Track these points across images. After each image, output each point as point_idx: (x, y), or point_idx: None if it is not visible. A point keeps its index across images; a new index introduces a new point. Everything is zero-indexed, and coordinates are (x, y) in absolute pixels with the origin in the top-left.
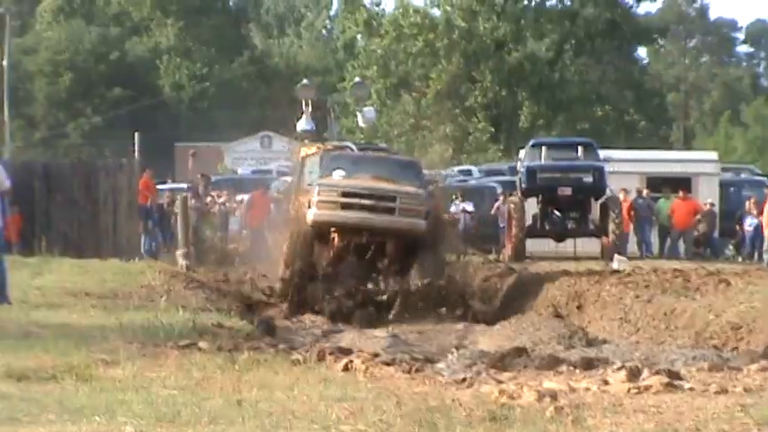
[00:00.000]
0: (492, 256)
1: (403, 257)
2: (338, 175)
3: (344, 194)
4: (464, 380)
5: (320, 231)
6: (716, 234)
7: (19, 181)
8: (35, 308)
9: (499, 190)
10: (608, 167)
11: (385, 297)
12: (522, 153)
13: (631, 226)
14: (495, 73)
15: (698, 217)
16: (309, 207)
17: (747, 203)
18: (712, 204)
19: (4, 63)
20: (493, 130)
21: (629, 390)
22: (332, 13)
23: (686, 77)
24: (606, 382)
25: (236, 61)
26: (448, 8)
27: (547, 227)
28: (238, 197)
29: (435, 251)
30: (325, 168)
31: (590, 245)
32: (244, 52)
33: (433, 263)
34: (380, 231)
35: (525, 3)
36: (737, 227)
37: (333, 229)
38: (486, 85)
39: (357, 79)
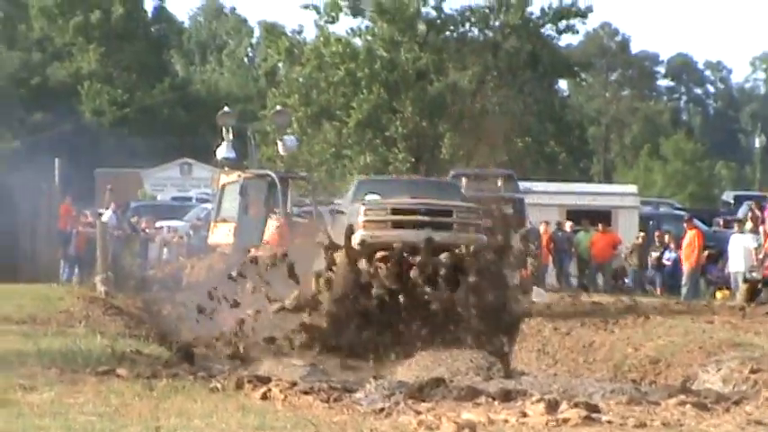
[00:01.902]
0: None
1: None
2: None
3: (395, 211)
4: (382, 410)
5: (366, 256)
6: (649, 267)
7: None
8: None
9: None
10: (528, 199)
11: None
12: None
13: (551, 258)
14: (416, 103)
15: (619, 250)
16: (351, 231)
17: (666, 237)
18: (644, 239)
19: None
20: (413, 160)
21: (547, 422)
22: (253, 40)
23: (607, 111)
24: (525, 414)
25: (158, 88)
26: (369, 38)
27: None
28: (158, 224)
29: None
30: (355, 195)
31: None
32: (165, 79)
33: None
34: (440, 249)
35: (447, 34)
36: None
37: (380, 253)
38: (406, 116)
39: (278, 107)
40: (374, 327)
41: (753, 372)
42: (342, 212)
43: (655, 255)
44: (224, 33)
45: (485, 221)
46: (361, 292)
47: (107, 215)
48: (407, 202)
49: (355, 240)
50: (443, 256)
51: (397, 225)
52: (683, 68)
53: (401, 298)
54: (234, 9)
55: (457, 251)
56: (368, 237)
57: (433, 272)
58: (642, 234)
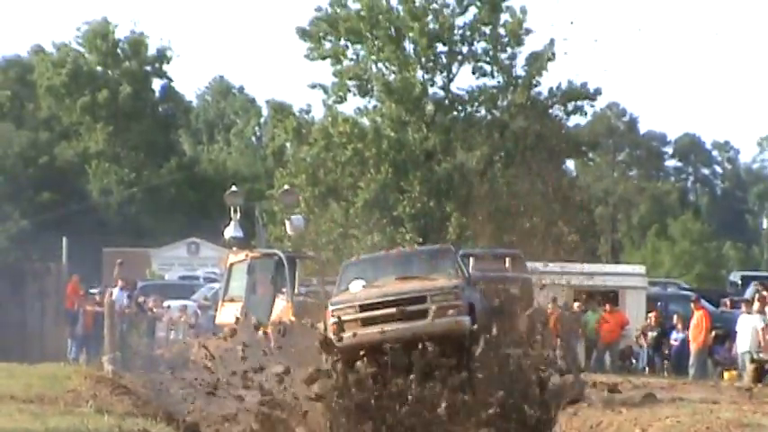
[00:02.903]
0: None
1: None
2: (357, 287)
3: (363, 308)
4: None
5: (347, 356)
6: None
7: None
8: None
9: None
10: (535, 279)
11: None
12: None
13: (558, 339)
14: (423, 183)
15: (626, 330)
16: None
17: (674, 318)
18: (655, 318)
19: None
20: (421, 240)
21: None
22: (261, 120)
23: (615, 191)
24: None
25: (165, 167)
26: (377, 118)
27: None
28: (165, 303)
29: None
30: (342, 282)
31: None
32: (172, 158)
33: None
34: (414, 341)
35: (455, 114)
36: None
37: (361, 352)
38: (414, 196)
39: (286, 187)
40: (380, 421)
41: None
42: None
43: (651, 334)
44: (232, 113)
45: (492, 300)
46: (356, 389)
47: (116, 293)
48: (375, 296)
49: (330, 344)
50: (415, 353)
51: (367, 322)
52: (690, 148)
53: (397, 391)
54: (242, 88)
55: (430, 345)
56: (336, 340)
57: (413, 366)
58: (653, 315)
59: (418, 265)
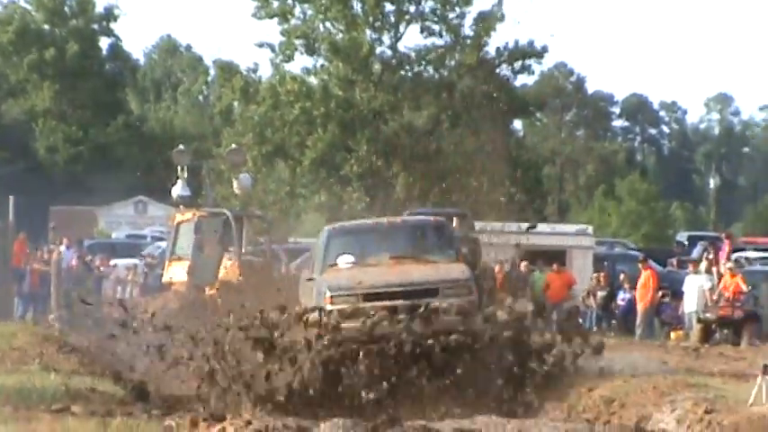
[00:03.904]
0: None
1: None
2: (346, 263)
3: (367, 297)
4: None
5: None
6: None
7: None
8: None
9: None
10: (482, 239)
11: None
12: None
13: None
14: (370, 143)
15: (573, 290)
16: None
17: (621, 278)
18: (603, 278)
19: None
20: (368, 199)
21: None
22: (209, 79)
23: (562, 151)
24: None
25: (112, 125)
26: (325, 77)
27: None
28: (112, 261)
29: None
30: (329, 254)
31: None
32: (119, 116)
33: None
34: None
35: (402, 73)
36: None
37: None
38: (361, 155)
39: (233, 146)
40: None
41: (707, 412)
42: (311, 279)
43: (600, 294)
44: (179, 71)
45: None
46: (344, 362)
47: (63, 252)
48: (382, 284)
49: (327, 319)
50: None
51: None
52: (637, 108)
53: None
54: (189, 47)
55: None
56: (333, 327)
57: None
58: (603, 275)
59: (411, 240)
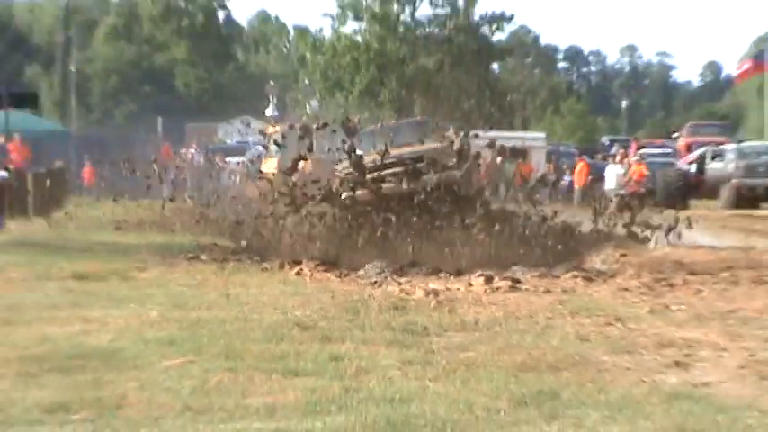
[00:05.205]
0: None
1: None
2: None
3: (372, 170)
4: (376, 282)
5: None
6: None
7: (82, 146)
8: (90, 231)
9: None
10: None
11: None
12: None
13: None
14: (398, 80)
15: (532, 176)
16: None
17: (564, 167)
18: (552, 168)
19: (72, 69)
20: (396, 117)
21: (485, 290)
22: (290, 38)
23: (524, 84)
24: (470, 285)
25: (226, 69)
26: (367, 36)
27: None
28: (227, 159)
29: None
30: (359, 146)
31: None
32: (231, 64)
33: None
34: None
35: (418, 33)
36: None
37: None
38: (392, 87)
39: (306, 82)
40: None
41: (622, 255)
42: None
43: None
44: (271, 33)
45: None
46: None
47: (194, 153)
48: (391, 156)
49: (343, 196)
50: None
51: (381, 180)
52: (575, 55)
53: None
54: (277, 17)
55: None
56: (350, 197)
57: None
58: (552, 165)
59: (405, 131)
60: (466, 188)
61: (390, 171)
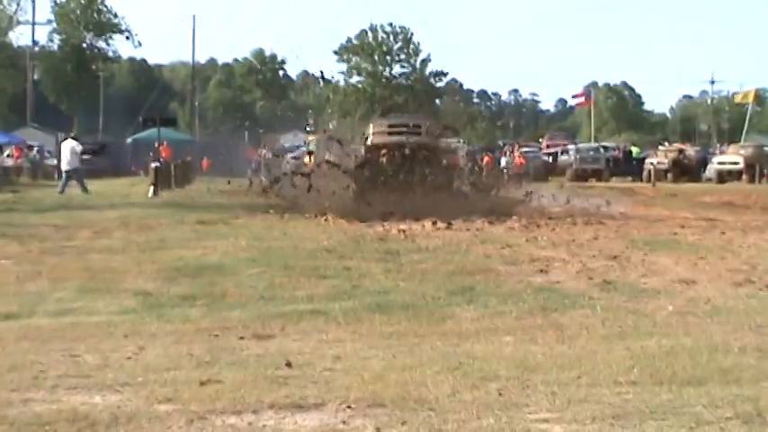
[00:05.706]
0: None
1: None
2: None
3: (390, 126)
4: (370, 226)
5: (376, 152)
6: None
7: (201, 148)
8: (206, 196)
9: None
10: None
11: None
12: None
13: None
14: (381, 111)
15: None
16: (366, 138)
17: (486, 159)
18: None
19: (196, 104)
20: None
21: (432, 229)
22: (320, 85)
23: (455, 111)
24: (423, 226)
25: (283, 104)
26: (364, 85)
27: None
28: (287, 156)
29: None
30: (374, 125)
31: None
32: (286, 100)
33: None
34: (415, 146)
35: (393, 83)
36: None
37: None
38: (378, 115)
39: (329, 111)
40: (388, 191)
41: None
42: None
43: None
44: (309, 82)
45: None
46: (377, 166)
47: (265, 151)
48: (395, 122)
49: (368, 142)
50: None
51: (391, 134)
52: (483, 94)
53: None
54: (313, 74)
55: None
56: (375, 140)
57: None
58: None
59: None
60: (438, 156)
61: (396, 129)
